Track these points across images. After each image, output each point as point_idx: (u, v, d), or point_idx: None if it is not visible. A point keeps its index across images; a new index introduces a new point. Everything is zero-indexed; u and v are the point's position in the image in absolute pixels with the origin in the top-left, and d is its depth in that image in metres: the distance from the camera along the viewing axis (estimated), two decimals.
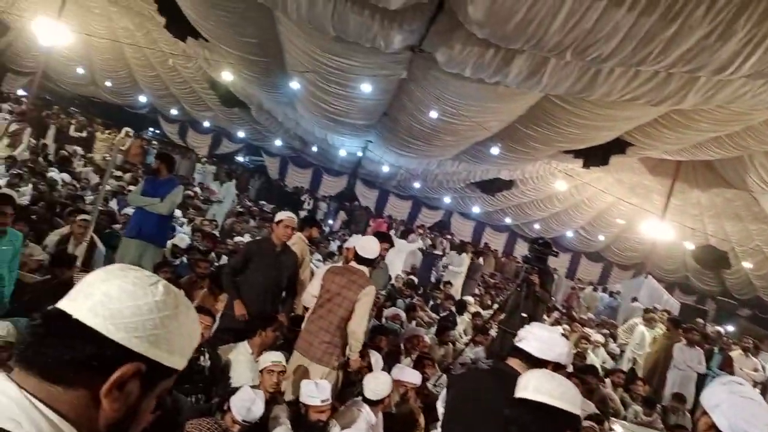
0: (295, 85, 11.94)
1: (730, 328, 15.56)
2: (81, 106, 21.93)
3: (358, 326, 4.33)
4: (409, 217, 23.36)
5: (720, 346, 9.80)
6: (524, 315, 5.15)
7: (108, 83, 20.72)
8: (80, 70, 19.84)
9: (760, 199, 14.18)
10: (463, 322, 9.05)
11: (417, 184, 21.17)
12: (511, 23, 5.69)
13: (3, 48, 19.09)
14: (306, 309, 5.14)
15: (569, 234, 22.11)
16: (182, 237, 8.19)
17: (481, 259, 13.53)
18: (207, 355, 4.16)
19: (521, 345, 2.56)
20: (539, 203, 20.16)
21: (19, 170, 9.69)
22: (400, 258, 10.65)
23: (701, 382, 8.46)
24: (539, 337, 2.55)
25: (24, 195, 8.18)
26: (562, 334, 8.40)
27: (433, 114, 11.01)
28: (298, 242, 5.70)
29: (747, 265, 17.68)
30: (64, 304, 0.92)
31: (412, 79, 9.93)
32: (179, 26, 11.37)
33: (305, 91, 12.30)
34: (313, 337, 4.39)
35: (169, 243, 7.53)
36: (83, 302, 0.90)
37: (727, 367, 8.86)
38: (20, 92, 19.38)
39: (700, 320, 13.61)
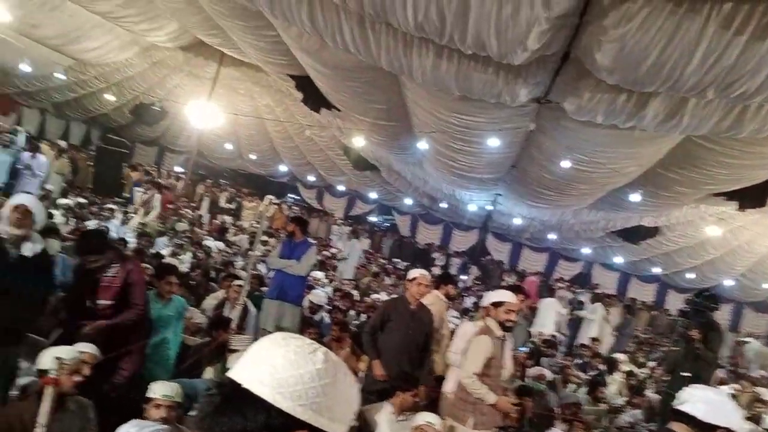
0: (422, 145, 12.23)
1: None
2: (229, 177, 24.02)
3: None
4: (545, 270, 22.50)
5: None
6: (686, 375, 4.72)
7: (252, 156, 22.56)
8: (228, 146, 21.82)
9: None
10: (615, 381, 8.43)
11: (552, 236, 20.42)
12: (643, 67, 5.48)
13: (162, 131, 21.53)
14: (447, 367, 5.10)
15: (729, 283, 20.03)
16: (317, 293, 8.54)
17: (615, 310, 12.70)
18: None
19: (686, 408, 2.34)
20: (690, 251, 18.53)
21: (179, 240, 10.72)
22: (547, 315, 10.27)
23: None
24: (705, 399, 2.33)
25: (184, 263, 9.00)
26: (731, 395, 7.56)
27: (565, 163, 10.71)
28: (435, 301, 5.70)
29: None
30: (235, 374, 0.99)
31: (541, 130, 9.78)
32: (314, 99, 12.22)
33: (432, 150, 12.55)
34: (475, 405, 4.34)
35: (306, 300, 7.89)
36: (252, 372, 0.97)
37: None
38: (177, 168, 21.62)
39: None
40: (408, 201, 21.91)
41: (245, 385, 0.95)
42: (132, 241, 9.03)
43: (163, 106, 18.14)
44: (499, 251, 22.54)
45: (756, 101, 5.89)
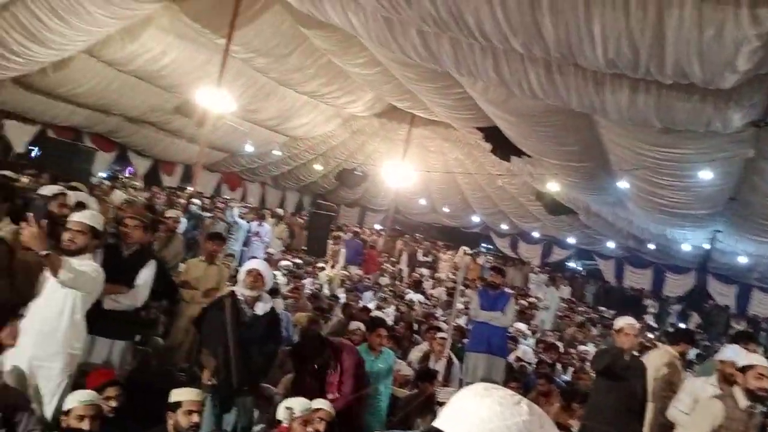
0: (623, 184, 11.57)
1: None
2: (424, 231, 24.81)
3: None
4: None
5: None
6: None
7: (445, 209, 23.18)
8: (422, 201, 22.71)
9: None
10: None
11: None
12: None
13: (362, 192, 23.11)
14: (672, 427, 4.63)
15: None
16: (526, 350, 8.31)
17: None
18: None
19: None
20: None
21: (383, 294, 11.25)
22: None
23: None
24: None
25: (388, 316, 9.40)
26: None
27: None
28: (670, 360, 5.22)
29: None
30: (442, 425, 1.01)
31: (763, 156, 8.71)
32: (503, 148, 12.32)
33: (635, 188, 11.80)
34: None
35: (513, 355, 7.71)
36: (458, 423, 0.99)
37: None
38: (377, 226, 22.90)
39: None
40: (610, 244, 20.63)
41: None
42: (342, 297, 9.69)
43: (363, 169, 19.62)
44: (723, 295, 19.98)
45: None
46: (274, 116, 16.32)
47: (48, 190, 4.26)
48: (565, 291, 19.73)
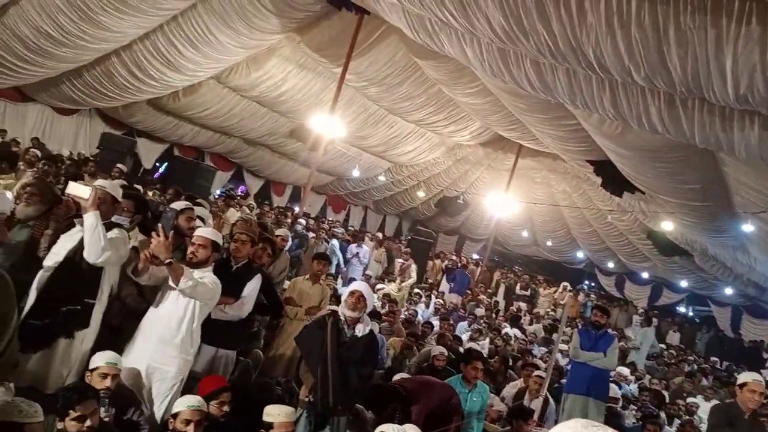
0: (747, 227, 10.74)
1: None
2: (524, 264, 24.19)
3: None
4: None
5: None
6: None
7: (548, 242, 22.51)
8: (524, 233, 22.20)
9: None
10: None
11: None
12: None
13: (462, 221, 22.95)
14: None
15: None
16: (614, 388, 7.91)
17: None
18: None
19: None
20: None
21: (478, 326, 11.04)
22: None
23: None
24: None
25: (483, 348, 9.20)
26: None
27: None
28: None
29: None
30: None
31: None
32: (614, 183, 11.82)
33: (759, 231, 10.91)
34: None
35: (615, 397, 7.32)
36: None
37: None
38: (475, 256, 22.60)
39: None
40: (728, 290, 19.13)
41: None
42: (437, 325, 9.59)
43: (464, 198, 19.52)
44: None
45: None
46: (381, 143, 16.69)
47: (177, 204, 4.56)
48: (675, 337, 18.46)
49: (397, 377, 5.33)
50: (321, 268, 5.97)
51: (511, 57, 7.43)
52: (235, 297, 4.30)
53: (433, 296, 12.56)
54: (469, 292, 14.94)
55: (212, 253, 3.91)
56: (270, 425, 3.36)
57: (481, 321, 11.72)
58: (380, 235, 17.94)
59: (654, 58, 5.43)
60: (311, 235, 12.24)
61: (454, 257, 19.54)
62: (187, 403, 3.35)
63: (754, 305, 19.71)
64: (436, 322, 9.85)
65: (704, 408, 8.31)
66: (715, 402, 7.91)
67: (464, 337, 9.67)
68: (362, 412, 4.82)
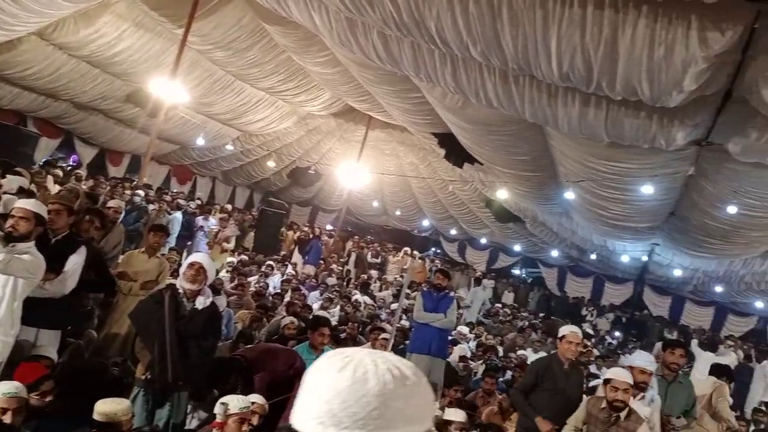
0: (569, 195, 11.88)
1: None
2: (375, 233, 24.84)
3: None
4: (712, 325, 20.39)
5: None
6: None
7: (397, 212, 23.28)
8: (375, 204, 22.74)
9: None
10: None
11: (719, 288, 18.54)
12: None
13: (316, 192, 22.97)
14: None
15: None
16: (463, 347, 8.47)
17: None
18: None
19: None
20: None
21: (330, 294, 11.19)
22: (706, 374, 9.27)
23: None
24: None
25: (333, 315, 9.35)
26: None
27: (731, 209, 9.81)
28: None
29: None
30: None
31: (702, 174, 9.09)
32: (457, 155, 12.46)
33: (581, 199, 12.12)
34: None
35: (456, 355, 7.81)
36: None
37: None
38: (328, 227, 22.79)
39: None
40: (555, 253, 21.15)
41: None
42: (287, 297, 9.56)
43: (317, 169, 19.49)
44: (658, 305, 20.83)
45: None
46: (229, 110, 16.04)
47: None
48: (509, 297, 20.12)
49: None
50: (158, 240, 5.65)
51: (359, 27, 7.47)
52: (56, 272, 3.96)
53: (288, 267, 12.51)
54: (322, 262, 15.07)
55: (36, 226, 3.62)
56: (104, 425, 3.12)
57: (333, 290, 11.89)
58: (230, 206, 17.39)
59: (489, 34, 5.74)
60: (152, 207, 11.53)
61: (307, 228, 19.57)
62: (2, 390, 3.03)
63: (576, 266, 21.98)
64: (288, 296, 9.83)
65: (532, 358, 9.19)
66: (542, 353, 8.73)
67: (315, 305, 9.75)
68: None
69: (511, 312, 16.49)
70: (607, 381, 4.33)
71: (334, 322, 8.77)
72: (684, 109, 6.30)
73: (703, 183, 9.59)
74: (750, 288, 17.51)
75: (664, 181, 9.66)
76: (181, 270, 4.22)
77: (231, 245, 11.78)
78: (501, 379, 7.87)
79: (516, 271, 24.75)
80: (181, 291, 4.05)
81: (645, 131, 6.87)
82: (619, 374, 4.34)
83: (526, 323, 14.57)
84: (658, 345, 6.24)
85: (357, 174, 16.06)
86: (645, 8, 4.96)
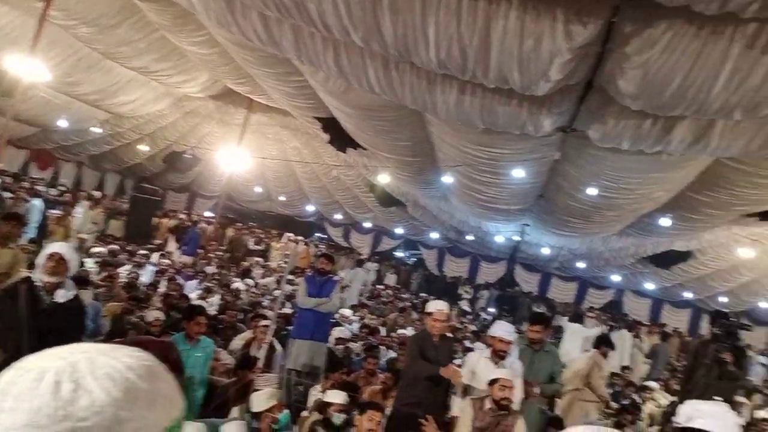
0: (448, 179, 12.31)
1: None
2: (258, 219, 24.34)
3: None
4: (575, 299, 22.22)
5: None
6: (717, 398, 4.61)
7: (281, 197, 22.91)
8: (257, 189, 22.21)
9: None
10: (647, 409, 8.30)
11: (581, 264, 20.18)
12: (668, 91, 5.49)
13: (193, 177, 22.03)
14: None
15: (765, 305, 19.44)
16: (342, 330, 8.59)
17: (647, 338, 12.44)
18: None
19: (691, 424, 2.32)
20: (723, 274, 18.10)
21: (208, 283, 10.84)
22: (575, 344, 10.10)
23: None
24: (711, 413, 2.32)
25: (212, 305, 9.08)
26: (764, 419, 7.40)
27: (592, 191, 10.66)
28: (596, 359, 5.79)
29: None
30: None
31: (566, 159, 9.78)
32: (340, 140, 12.47)
33: (458, 183, 12.61)
34: None
35: (332, 337, 7.89)
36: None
37: None
38: (207, 213, 22.01)
39: None
40: (434, 235, 21.89)
41: None
42: (162, 288, 9.14)
43: (194, 153, 18.64)
44: (528, 282, 22.33)
45: None
46: (96, 90, 14.86)
47: None
48: (392, 278, 20.62)
49: None
50: (11, 230, 5.16)
51: (237, 6, 7.19)
52: None
53: (159, 257, 11.92)
54: (201, 250, 14.55)
55: None
56: None
57: (212, 278, 11.54)
58: (98, 193, 16.24)
59: (369, 20, 5.76)
60: (8, 195, 10.51)
61: (183, 216, 18.75)
62: None
63: (454, 247, 22.92)
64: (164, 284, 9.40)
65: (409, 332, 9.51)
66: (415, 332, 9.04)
67: (193, 295, 9.42)
68: None
69: (394, 293, 16.91)
70: (493, 381, 4.50)
71: (213, 312, 8.53)
72: (551, 98, 6.72)
73: (567, 167, 10.31)
74: (608, 263, 19.20)
75: (533, 165, 10.28)
76: (39, 261, 3.90)
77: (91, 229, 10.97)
78: (384, 359, 8.07)
79: (399, 254, 25.33)
80: (39, 284, 3.74)
81: (516, 118, 7.25)
82: (505, 374, 4.55)
83: (408, 303, 15.00)
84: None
85: (238, 159, 15.59)
86: (515, 1, 5.21)
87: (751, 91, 5.15)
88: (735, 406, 4.28)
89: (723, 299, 19.38)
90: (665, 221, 12.05)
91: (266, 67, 10.38)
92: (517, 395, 5.06)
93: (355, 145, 12.61)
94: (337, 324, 9.06)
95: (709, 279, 18.64)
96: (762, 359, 14.35)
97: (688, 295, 20.53)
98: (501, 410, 4.39)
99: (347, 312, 10.27)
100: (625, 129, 6.96)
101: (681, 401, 6.54)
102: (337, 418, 4.62)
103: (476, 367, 5.02)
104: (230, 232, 19.02)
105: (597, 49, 5.59)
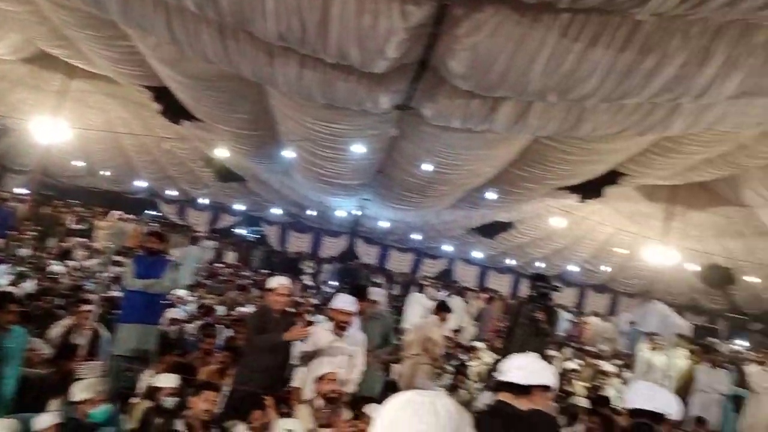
0: (289, 153, 12.21)
1: (744, 343, 15.59)
2: (80, 196, 22.25)
3: None
4: (411, 268, 23.45)
5: (735, 364, 9.66)
6: (532, 353, 5.23)
7: (106, 172, 21.08)
8: (78, 163, 20.22)
9: (759, 213, 14.26)
10: (476, 368, 9.10)
11: (417, 236, 21.27)
12: (493, 73, 5.91)
13: (4, 150, 19.53)
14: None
15: (574, 269, 22.09)
16: (176, 311, 8.34)
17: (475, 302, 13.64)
18: (218, 431, 4.17)
19: (505, 378, 2.65)
20: (540, 242, 20.22)
21: (21, 267, 9.79)
22: (416, 311, 10.71)
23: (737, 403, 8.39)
24: (519, 365, 2.65)
25: (27, 291, 8.24)
26: (573, 369, 8.51)
27: (426, 167, 11.21)
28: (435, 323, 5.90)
29: (753, 279, 17.62)
30: None
31: (403, 136, 10.17)
32: (174, 111, 11.74)
33: (299, 158, 12.56)
34: None
35: (165, 318, 7.58)
36: None
37: (744, 383, 8.78)
38: (20, 190, 19.68)
39: (713, 339, 13.51)
40: (276, 211, 21.70)
41: None
42: None
43: (4, 123, 16.46)
44: (368, 254, 23.12)
45: (592, 102, 6.57)
46: None
47: None
48: (232, 256, 20.14)
49: None
50: None
51: None
52: None
53: None
54: (14, 232, 13.07)
55: None
56: None
57: (26, 262, 10.45)
58: None
59: None
60: None
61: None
62: None
63: (297, 222, 22.93)
64: None
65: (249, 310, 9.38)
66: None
67: (2, 281, 8.47)
68: None
69: (234, 271, 16.55)
70: (321, 377, 4.65)
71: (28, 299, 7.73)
72: (388, 76, 6.92)
73: (404, 144, 10.74)
74: (441, 235, 20.47)
75: (372, 141, 10.55)
76: None
77: None
78: (222, 338, 7.89)
79: (239, 231, 24.75)
80: None
81: (355, 94, 7.37)
82: (328, 368, 4.72)
83: (249, 281, 14.77)
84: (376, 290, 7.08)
85: (55, 129, 14.06)
86: None
87: (563, 76, 5.72)
88: (547, 358, 4.82)
89: (540, 265, 21.62)
90: (491, 195, 13.06)
91: (88, 29, 9.41)
92: (359, 365, 5.28)
93: (191, 117, 11.98)
94: (172, 305, 8.69)
95: (527, 247, 20.69)
96: (568, 316, 16.31)
97: (510, 261, 22.64)
98: (332, 403, 4.52)
99: (182, 292, 9.87)
100: (455, 108, 7.39)
101: (503, 358, 7.26)
102: (169, 403, 4.45)
103: (318, 340, 5.12)
104: (47, 210, 17.22)
105: (430, 30, 5.85)
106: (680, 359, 9.91)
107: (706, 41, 5.18)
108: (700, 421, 7.69)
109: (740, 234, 16.21)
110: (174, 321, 7.87)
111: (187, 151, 17.44)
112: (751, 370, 8.92)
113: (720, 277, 17.91)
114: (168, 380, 4.66)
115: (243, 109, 10.68)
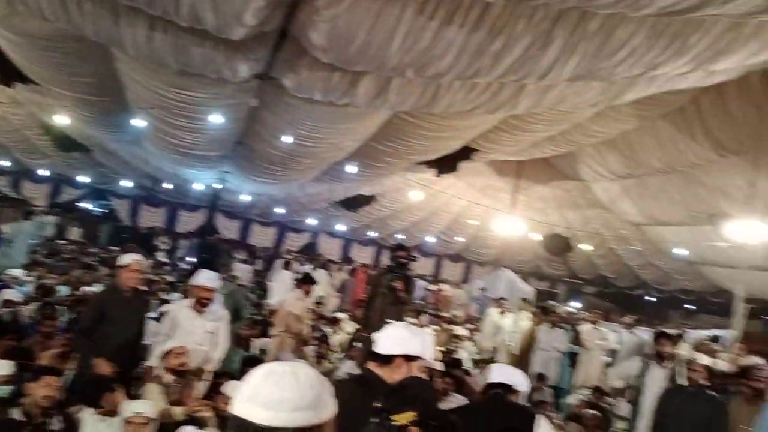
0: (139, 122, 11.44)
1: (578, 305, 17.44)
2: None
3: None
4: (275, 243, 23.23)
5: (571, 324, 10.74)
6: (389, 321, 5.46)
7: None
8: None
9: (592, 186, 15.87)
10: (338, 338, 9.32)
11: (280, 210, 21.05)
12: (353, 47, 5.95)
13: None
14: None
15: (431, 240, 23.16)
16: (11, 291, 7.77)
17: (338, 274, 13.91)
18: (61, 417, 3.94)
19: (374, 348, 2.75)
20: (399, 214, 20.95)
21: None
22: (281, 287, 10.67)
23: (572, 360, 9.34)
24: (385, 336, 2.75)
25: None
26: (431, 334, 8.96)
27: (288, 139, 11.07)
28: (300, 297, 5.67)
29: (587, 247, 19.64)
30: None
31: (264, 107, 9.94)
32: (5, 72, 10.47)
33: (152, 127, 11.81)
34: None
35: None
36: None
37: (578, 341, 9.80)
38: None
39: (553, 302, 14.94)
40: (127, 183, 20.33)
41: None
42: None
43: None
44: (229, 229, 22.51)
45: (447, 80, 6.86)
46: None
47: None
48: (76, 232, 18.64)
49: None
50: None
51: None
52: None
53: None
54: None
55: None
56: None
57: None
58: None
59: None
60: None
61: None
62: None
63: (150, 196, 21.65)
64: None
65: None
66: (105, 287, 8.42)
67: None
68: None
69: (78, 248, 15.37)
70: (168, 352, 4.52)
71: None
72: (247, 44, 6.70)
73: (265, 115, 10.50)
74: (305, 208, 20.44)
75: (231, 111, 10.20)
76: None
77: None
78: (63, 319, 7.34)
79: (85, 205, 22.91)
80: None
81: (211, 61, 7.05)
82: (179, 345, 4.59)
83: (96, 259, 13.81)
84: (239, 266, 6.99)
85: None
86: None
87: (420, 52, 5.90)
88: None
89: (399, 236, 22.42)
90: (352, 168, 13.22)
91: None
92: (222, 342, 5.18)
93: (26, 80, 10.76)
94: (6, 286, 7.95)
95: (388, 219, 21.34)
96: (424, 284, 17.15)
97: (372, 234, 23.20)
98: (181, 377, 4.44)
99: (18, 272, 9.02)
100: (317, 80, 7.35)
101: (364, 327, 7.47)
102: (3, 391, 4.10)
103: (177, 318, 4.96)
104: None
105: None
106: (524, 321, 10.85)
107: (548, 26, 5.59)
108: (540, 377, 8.49)
109: (577, 206, 17.94)
110: (8, 303, 7.19)
111: (21, 118, 15.66)
112: (584, 329, 9.94)
113: (559, 246, 19.73)
114: (1, 367, 4.28)
115: (85, 72, 9.79)
